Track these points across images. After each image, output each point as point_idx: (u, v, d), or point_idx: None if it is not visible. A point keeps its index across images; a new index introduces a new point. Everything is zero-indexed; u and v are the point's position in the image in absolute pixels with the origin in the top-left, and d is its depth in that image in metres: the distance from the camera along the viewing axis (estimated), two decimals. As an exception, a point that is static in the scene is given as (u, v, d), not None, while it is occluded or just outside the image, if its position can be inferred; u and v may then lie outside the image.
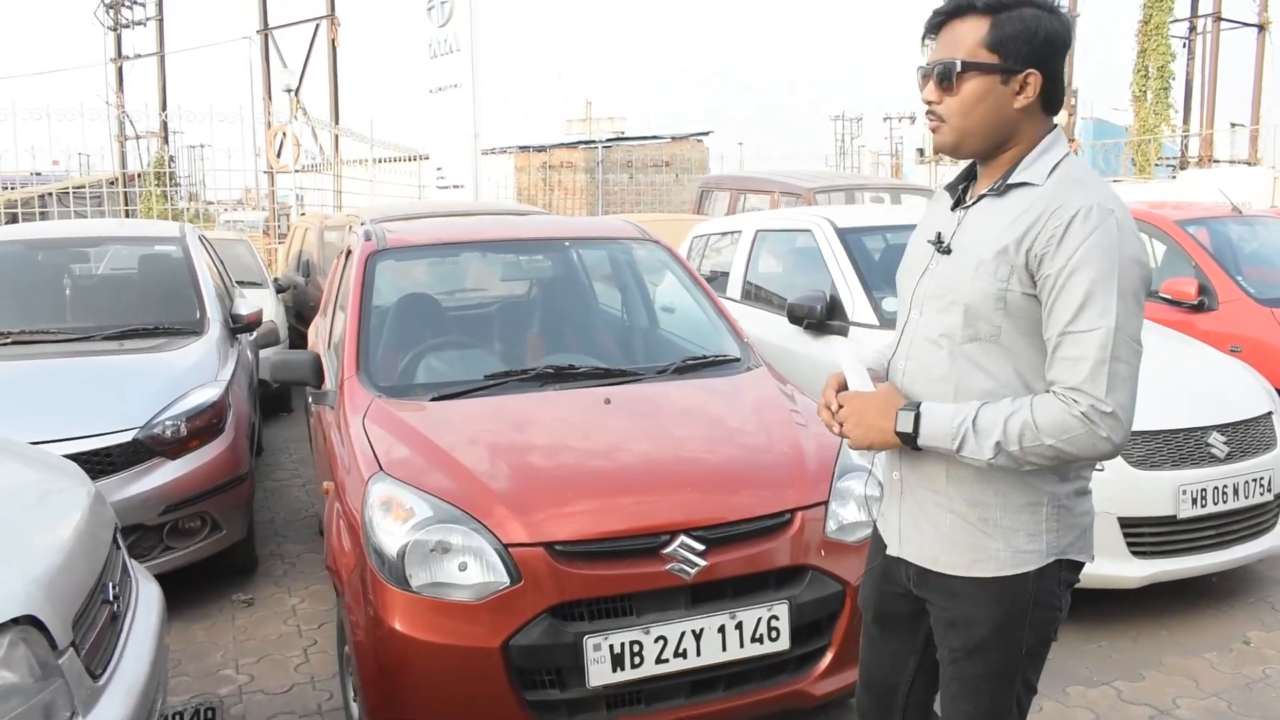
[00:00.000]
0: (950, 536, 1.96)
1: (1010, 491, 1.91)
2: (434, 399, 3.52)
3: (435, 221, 5.79)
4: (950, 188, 2.06)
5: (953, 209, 2.01)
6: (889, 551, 2.09)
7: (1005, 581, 1.93)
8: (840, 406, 1.98)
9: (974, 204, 1.95)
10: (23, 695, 2.11)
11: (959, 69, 1.86)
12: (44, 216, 13.29)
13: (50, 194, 14.94)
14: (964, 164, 2.07)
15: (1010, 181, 1.89)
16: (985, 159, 1.96)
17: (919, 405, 1.89)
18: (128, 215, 14.82)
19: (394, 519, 2.86)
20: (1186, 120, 21.91)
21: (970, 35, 1.86)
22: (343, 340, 3.84)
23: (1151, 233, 7.10)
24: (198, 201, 18.15)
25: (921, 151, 23.08)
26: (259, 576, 5.05)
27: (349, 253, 4.71)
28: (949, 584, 1.98)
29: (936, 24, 1.93)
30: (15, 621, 2.12)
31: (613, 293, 4.74)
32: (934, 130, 1.93)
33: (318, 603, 4.70)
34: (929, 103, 1.92)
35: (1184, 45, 22.10)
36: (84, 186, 13.32)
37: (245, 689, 3.87)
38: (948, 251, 1.94)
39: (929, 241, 2.00)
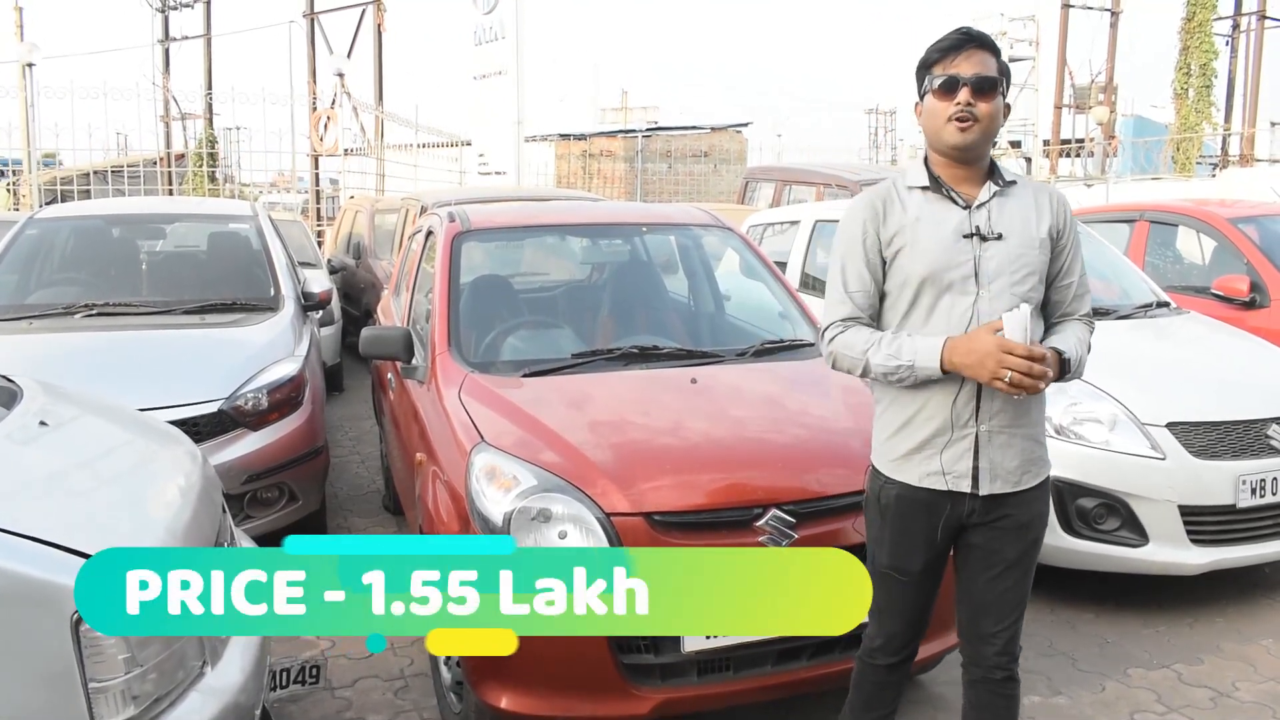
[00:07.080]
0: (1028, 456, 2.44)
1: (1045, 407, 2.51)
2: (525, 375, 3.63)
3: (513, 205, 5.90)
4: (932, 192, 2.44)
5: (965, 208, 2.41)
6: (981, 492, 2.41)
7: (1049, 477, 2.53)
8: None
9: (989, 200, 2.41)
10: (161, 643, 2.21)
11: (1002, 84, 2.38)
12: (85, 195, 13.51)
13: (93, 172, 15.19)
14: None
15: (1008, 180, 2.45)
16: (980, 160, 2.43)
17: (1057, 349, 2.36)
18: (171, 194, 15.04)
19: (498, 488, 2.98)
20: (1228, 118, 21.72)
21: (991, 62, 2.36)
22: (432, 317, 3.95)
23: (1202, 229, 7.12)
24: (233, 183, 18.33)
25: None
26: (329, 548, 5.18)
27: (429, 233, 4.83)
28: (1024, 496, 2.44)
29: (958, 45, 2.36)
30: (155, 573, 2.26)
31: (687, 278, 4.83)
32: (964, 130, 2.35)
33: (389, 573, 4.82)
34: (968, 104, 2.33)
35: (1227, 43, 21.93)
36: (136, 165, 13.52)
37: (328, 653, 4.01)
38: (999, 238, 2.39)
39: (966, 236, 2.39)
